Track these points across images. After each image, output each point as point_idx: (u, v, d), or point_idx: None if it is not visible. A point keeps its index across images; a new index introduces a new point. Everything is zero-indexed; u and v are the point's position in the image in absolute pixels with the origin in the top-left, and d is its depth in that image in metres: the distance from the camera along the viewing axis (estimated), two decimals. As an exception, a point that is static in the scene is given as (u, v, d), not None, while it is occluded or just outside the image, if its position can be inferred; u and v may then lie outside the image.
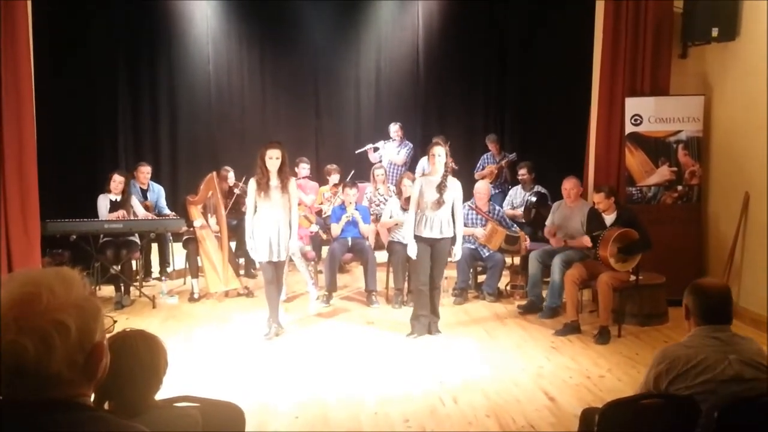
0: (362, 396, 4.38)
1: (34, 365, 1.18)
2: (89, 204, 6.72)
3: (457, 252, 5.62)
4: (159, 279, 7.45)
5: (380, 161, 8.77)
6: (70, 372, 1.23)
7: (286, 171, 5.46)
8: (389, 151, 8.83)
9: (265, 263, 5.50)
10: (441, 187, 5.37)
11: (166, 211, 7.55)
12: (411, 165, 8.73)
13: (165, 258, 7.60)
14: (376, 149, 8.90)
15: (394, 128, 8.85)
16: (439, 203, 5.36)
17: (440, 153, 5.40)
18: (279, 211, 5.42)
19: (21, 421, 1.21)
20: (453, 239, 5.53)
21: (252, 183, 5.46)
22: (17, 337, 1.17)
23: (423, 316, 5.53)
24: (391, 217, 6.72)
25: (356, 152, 8.85)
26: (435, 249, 5.46)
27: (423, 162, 8.12)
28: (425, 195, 5.42)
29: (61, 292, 1.23)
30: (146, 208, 7.15)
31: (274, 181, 5.40)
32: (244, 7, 9.41)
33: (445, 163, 5.42)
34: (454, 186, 5.48)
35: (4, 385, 1.21)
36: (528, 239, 6.84)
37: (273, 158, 5.37)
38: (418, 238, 5.43)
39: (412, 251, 5.49)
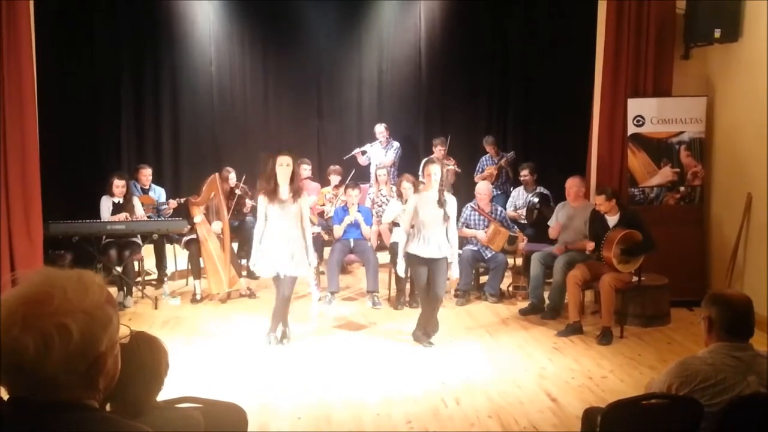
0: (365, 397, 4.38)
1: (31, 365, 1.18)
2: (92, 205, 6.73)
3: (454, 272, 5.50)
4: (160, 282, 7.33)
5: (369, 164, 8.75)
6: (68, 377, 1.22)
7: (297, 182, 5.28)
8: (376, 153, 8.79)
9: (276, 278, 5.30)
10: (441, 203, 5.25)
11: (163, 199, 7.61)
12: (400, 164, 8.69)
13: (162, 260, 7.56)
14: (363, 153, 8.85)
15: (380, 129, 8.81)
16: (445, 218, 5.26)
17: (436, 172, 5.25)
18: (290, 224, 5.19)
19: (27, 418, 1.21)
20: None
21: (261, 199, 5.23)
22: (21, 334, 1.17)
23: (430, 331, 5.46)
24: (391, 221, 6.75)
25: (344, 158, 8.71)
26: (433, 268, 5.30)
27: None
28: (420, 213, 5.26)
29: (75, 296, 1.23)
30: (147, 203, 7.18)
31: (285, 192, 5.20)
32: (246, 9, 9.41)
33: (441, 179, 5.30)
34: (452, 201, 5.37)
35: (6, 381, 1.23)
36: (525, 239, 6.84)
37: (284, 165, 5.17)
38: (415, 258, 5.30)
39: (401, 269, 5.48)
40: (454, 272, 5.52)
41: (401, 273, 5.54)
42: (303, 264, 5.28)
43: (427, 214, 5.25)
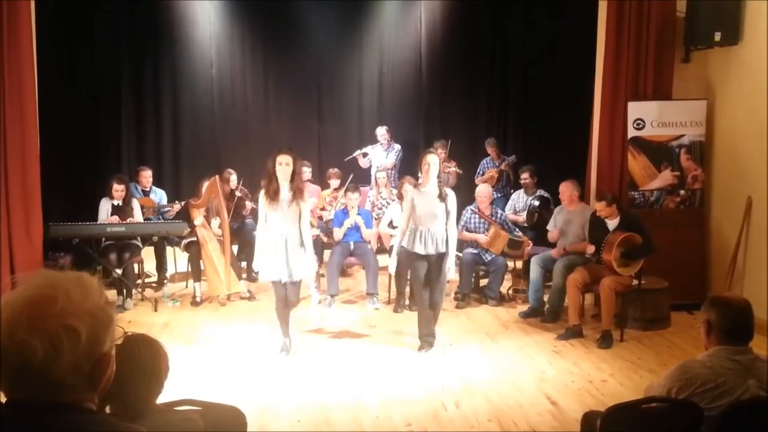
0: (364, 399, 4.38)
1: (39, 367, 1.18)
2: (92, 207, 6.72)
3: (451, 269, 5.29)
4: (160, 284, 7.31)
5: (370, 166, 8.75)
6: (73, 378, 1.22)
7: (297, 182, 5.14)
8: (377, 155, 8.77)
9: (275, 282, 5.17)
10: (443, 197, 5.14)
11: (164, 201, 7.58)
12: (401, 167, 8.66)
13: (162, 262, 7.56)
14: (365, 155, 8.84)
15: (381, 132, 8.79)
16: (445, 213, 5.14)
17: (434, 162, 5.13)
18: (289, 225, 5.06)
19: (26, 421, 1.21)
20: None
21: (261, 196, 5.10)
22: (28, 336, 1.17)
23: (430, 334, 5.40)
24: (390, 223, 6.73)
25: (345, 160, 8.69)
26: (432, 265, 5.19)
27: None
28: (418, 209, 5.15)
29: (77, 297, 1.23)
30: (148, 206, 7.17)
31: (285, 192, 5.07)
32: (246, 10, 9.43)
33: (439, 174, 5.20)
34: (451, 196, 5.25)
35: (7, 383, 1.22)
36: (531, 244, 6.82)
37: (283, 164, 5.01)
38: (415, 255, 5.19)
39: (392, 267, 5.53)
40: (450, 269, 5.29)
41: (392, 271, 5.67)
42: (302, 267, 5.15)
43: (424, 210, 5.13)
